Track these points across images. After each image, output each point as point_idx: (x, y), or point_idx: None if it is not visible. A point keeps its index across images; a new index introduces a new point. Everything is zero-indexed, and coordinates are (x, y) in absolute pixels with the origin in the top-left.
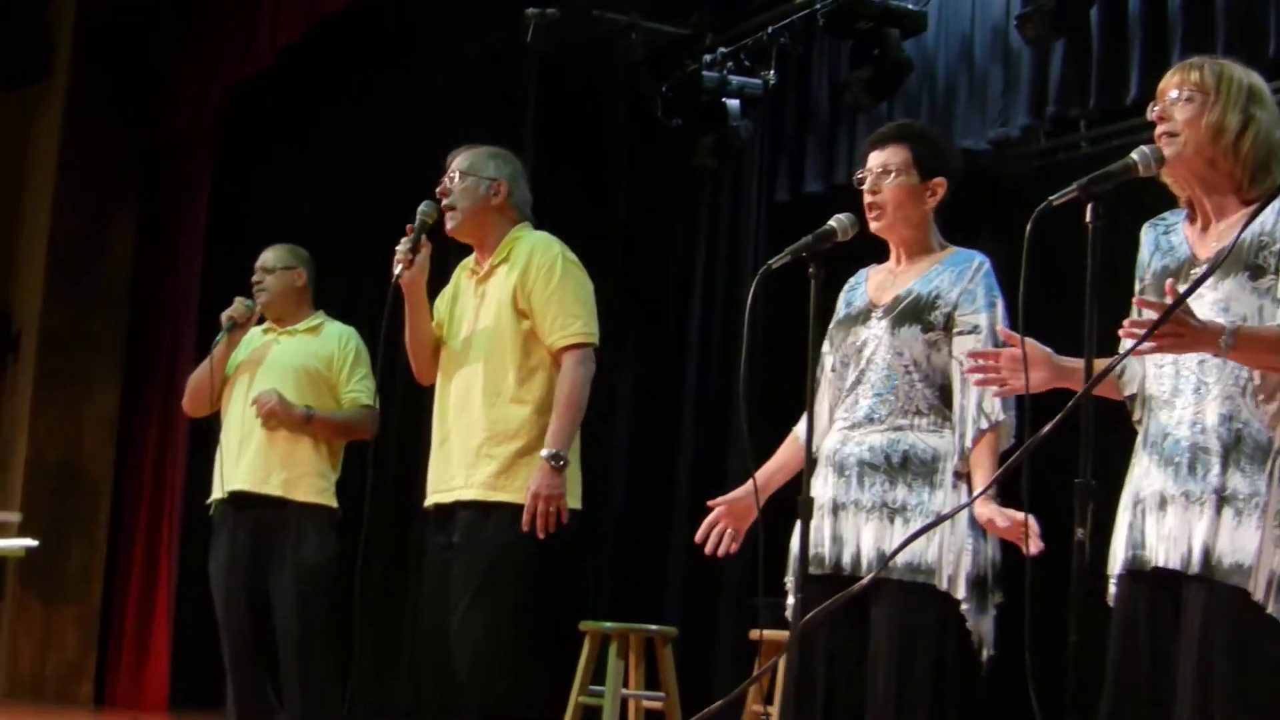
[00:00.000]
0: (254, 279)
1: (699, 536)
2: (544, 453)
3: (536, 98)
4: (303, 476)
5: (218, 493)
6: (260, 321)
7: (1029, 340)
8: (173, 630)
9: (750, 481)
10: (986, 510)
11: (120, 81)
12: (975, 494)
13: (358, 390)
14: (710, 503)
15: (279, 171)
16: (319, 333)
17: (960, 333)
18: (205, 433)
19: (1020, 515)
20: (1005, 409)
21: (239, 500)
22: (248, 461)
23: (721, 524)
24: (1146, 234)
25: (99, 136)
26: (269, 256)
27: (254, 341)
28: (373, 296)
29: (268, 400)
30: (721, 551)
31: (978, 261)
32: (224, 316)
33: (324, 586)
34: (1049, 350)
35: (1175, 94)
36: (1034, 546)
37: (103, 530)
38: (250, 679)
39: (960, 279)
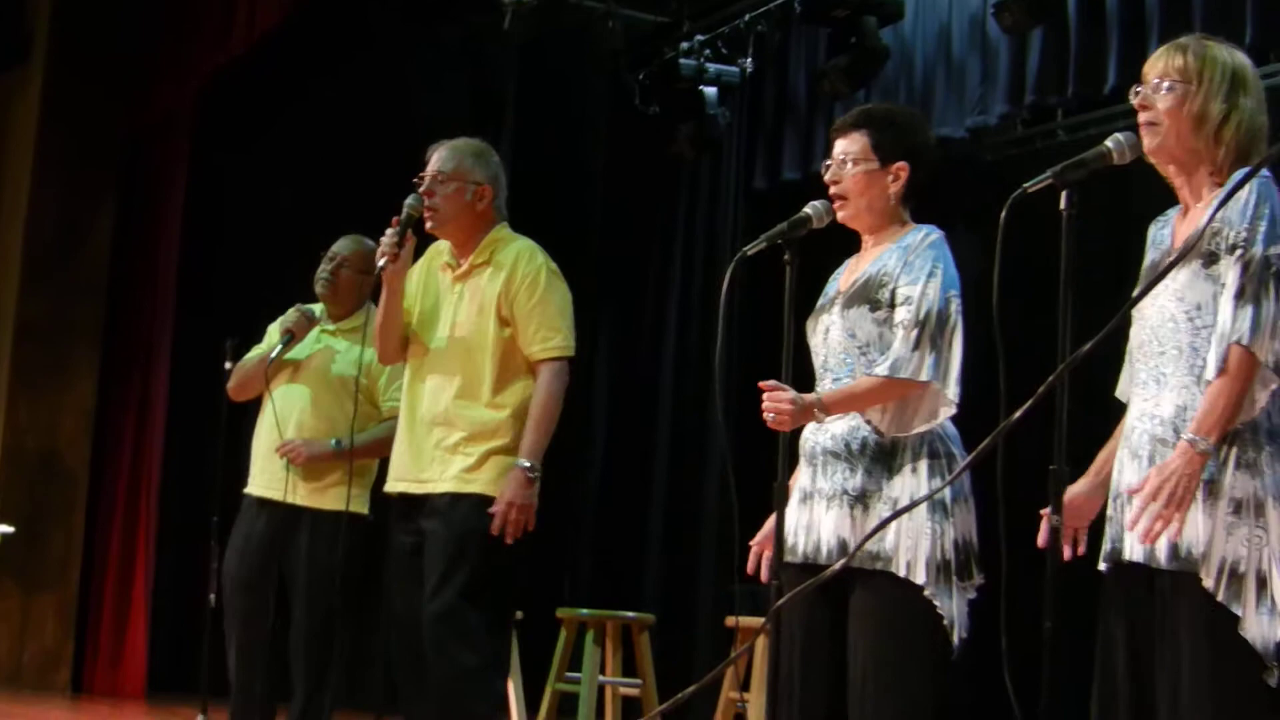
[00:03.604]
0: (328, 267)
1: (750, 570)
2: (520, 463)
3: (515, 85)
4: (329, 486)
5: (249, 485)
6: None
7: (1075, 491)
8: (150, 619)
9: (774, 516)
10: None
11: (98, 68)
12: (948, 480)
13: (395, 400)
14: (752, 543)
15: (256, 159)
16: (365, 333)
17: (898, 305)
18: (183, 422)
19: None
20: (917, 373)
21: (264, 500)
22: (277, 467)
23: (766, 553)
24: (1150, 232)
25: (76, 124)
26: (347, 250)
27: (308, 342)
28: None
29: (295, 457)
30: (769, 578)
31: (924, 233)
32: (281, 329)
33: (338, 585)
34: (1081, 486)
35: (1158, 80)
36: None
37: (80, 519)
38: (252, 663)
39: (906, 253)
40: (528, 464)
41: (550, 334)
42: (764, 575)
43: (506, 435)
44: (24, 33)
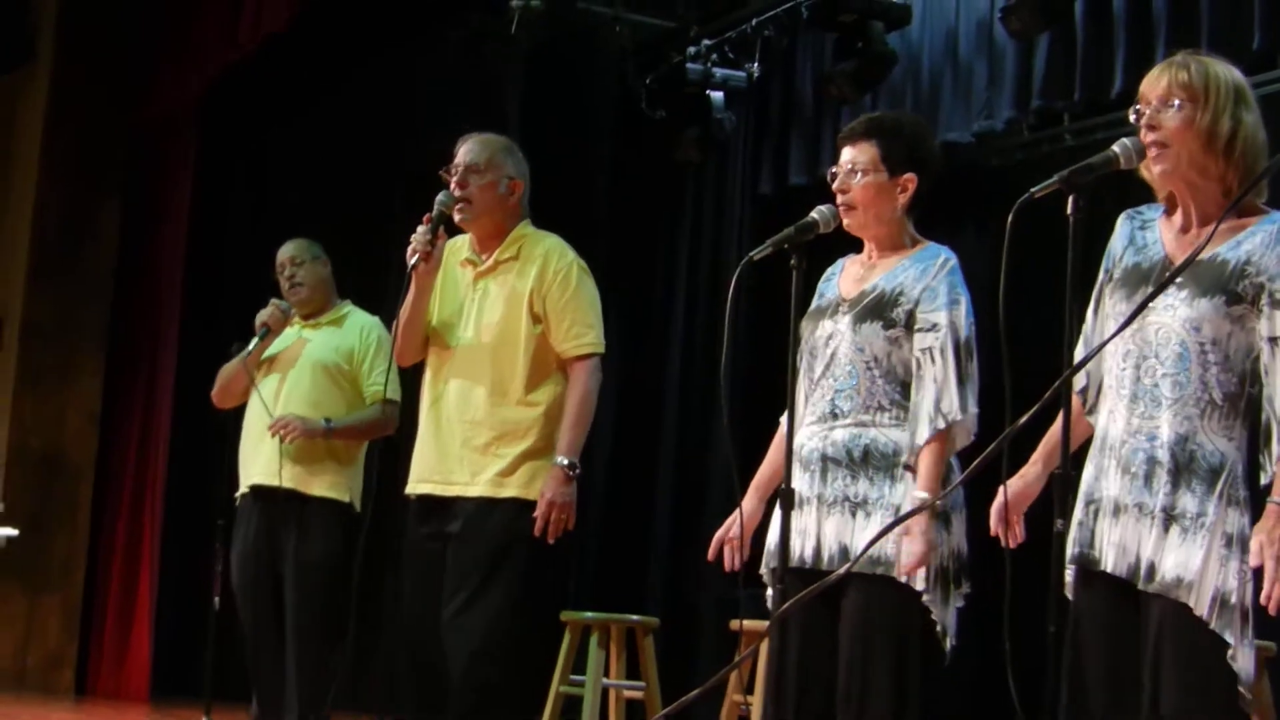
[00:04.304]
0: (285, 275)
1: (711, 555)
2: (560, 460)
3: (522, 88)
4: (317, 472)
5: (241, 485)
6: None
7: (1025, 481)
8: (154, 621)
9: (744, 504)
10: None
11: (103, 67)
12: (944, 492)
13: (379, 384)
14: (716, 537)
15: (262, 159)
16: (342, 325)
17: (920, 330)
18: (188, 423)
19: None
20: (965, 408)
21: (257, 493)
22: (265, 456)
23: (728, 546)
24: (1122, 224)
25: (82, 123)
26: (293, 250)
27: (285, 337)
28: (358, 284)
29: (290, 432)
30: (738, 565)
31: (943, 258)
32: (258, 322)
33: (327, 579)
34: (1030, 475)
35: (1162, 100)
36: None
37: (85, 520)
38: (269, 667)
39: (924, 276)
40: (566, 461)
41: (583, 330)
42: (727, 565)
43: (537, 435)
44: (29, 32)
